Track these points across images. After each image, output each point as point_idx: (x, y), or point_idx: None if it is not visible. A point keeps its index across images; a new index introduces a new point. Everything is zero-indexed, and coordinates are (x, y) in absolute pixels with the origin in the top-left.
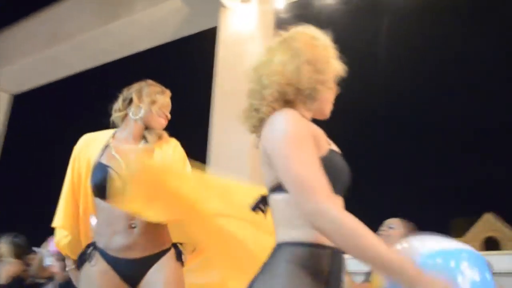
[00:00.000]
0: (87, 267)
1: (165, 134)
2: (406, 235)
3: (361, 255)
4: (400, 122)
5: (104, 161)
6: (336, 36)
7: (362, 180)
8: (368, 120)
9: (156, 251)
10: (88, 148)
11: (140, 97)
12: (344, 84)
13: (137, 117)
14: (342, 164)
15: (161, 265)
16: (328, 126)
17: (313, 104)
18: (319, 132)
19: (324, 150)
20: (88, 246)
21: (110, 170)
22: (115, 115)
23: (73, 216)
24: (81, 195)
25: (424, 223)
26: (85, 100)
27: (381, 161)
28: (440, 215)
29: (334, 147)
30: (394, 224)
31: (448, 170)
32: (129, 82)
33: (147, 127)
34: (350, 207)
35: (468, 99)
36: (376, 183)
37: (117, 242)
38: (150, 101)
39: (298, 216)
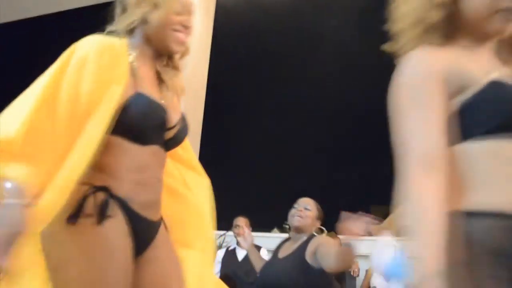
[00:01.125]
0: (90, 222)
1: (180, 82)
2: (318, 217)
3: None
4: (325, 109)
5: (150, 95)
6: (280, 17)
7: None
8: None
9: (160, 215)
10: (105, 62)
11: (138, 2)
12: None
13: (139, 34)
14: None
15: (165, 237)
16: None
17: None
18: (467, 67)
19: (473, 87)
20: (96, 188)
21: (166, 114)
22: (118, 27)
23: (42, 133)
24: (74, 122)
25: (348, 206)
26: (10, 52)
27: (315, 144)
28: (361, 200)
29: (502, 74)
30: (309, 205)
31: (372, 158)
32: (61, 39)
33: (159, 51)
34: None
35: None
36: (312, 167)
37: (143, 195)
38: (152, 5)
39: (482, 173)
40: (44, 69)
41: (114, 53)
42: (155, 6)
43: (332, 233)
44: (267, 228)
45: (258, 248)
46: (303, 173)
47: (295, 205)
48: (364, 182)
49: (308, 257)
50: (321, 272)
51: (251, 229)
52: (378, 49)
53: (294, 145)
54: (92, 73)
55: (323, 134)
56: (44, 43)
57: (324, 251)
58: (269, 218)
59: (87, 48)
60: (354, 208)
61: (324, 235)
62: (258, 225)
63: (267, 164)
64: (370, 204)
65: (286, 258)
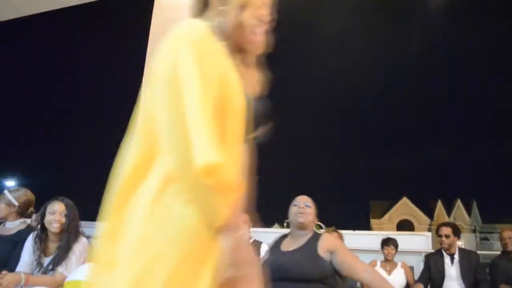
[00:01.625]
0: None
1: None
2: (316, 213)
3: None
4: (327, 104)
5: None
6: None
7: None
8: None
9: None
10: (219, 55)
11: None
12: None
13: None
14: None
15: None
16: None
17: None
18: None
19: None
20: None
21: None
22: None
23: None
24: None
25: (346, 203)
26: (12, 51)
27: (310, 142)
28: (361, 196)
29: None
30: (308, 203)
31: (371, 155)
32: (61, 35)
33: (234, 46)
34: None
35: (392, 90)
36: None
37: None
38: (240, 2)
39: None
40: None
41: (219, 49)
42: (244, 4)
43: (331, 228)
44: (268, 224)
45: (259, 243)
46: (303, 170)
47: (295, 203)
48: (363, 177)
49: (321, 252)
50: (329, 263)
51: (251, 224)
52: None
53: (294, 141)
54: (214, 67)
55: (324, 131)
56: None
57: (341, 259)
58: (270, 214)
59: (202, 40)
60: (352, 202)
61: (323, 230)
62: (259, 221)
63: (268, 160)
64: (369, 199)
65: (296, 251)
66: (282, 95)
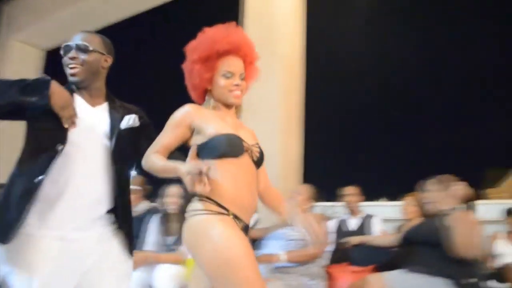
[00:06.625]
0: None
1: None
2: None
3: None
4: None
5: None
6: None
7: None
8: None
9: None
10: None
11: None
12: None
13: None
14: None
15: None
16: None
17: None
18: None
19: None
20: None
21: None
22: None
23: None
24: None
25: (461, 171)
26: (118, 52)
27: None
28: (475, 164)
29: None
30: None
31: (487, 120)
32: (166, 30)
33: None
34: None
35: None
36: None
37: None
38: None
39: None
40: None
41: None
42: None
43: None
44: (375, 198)
45: (370, 216)
46: (411, 143)
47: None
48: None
49: None
50: None
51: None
52: None
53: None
54: None
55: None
56: None
57: None
58: (378, 187)
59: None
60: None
61: None
62: (367, 195)
63: (375, 134)
64: (484, 167)
65: None
66: None
